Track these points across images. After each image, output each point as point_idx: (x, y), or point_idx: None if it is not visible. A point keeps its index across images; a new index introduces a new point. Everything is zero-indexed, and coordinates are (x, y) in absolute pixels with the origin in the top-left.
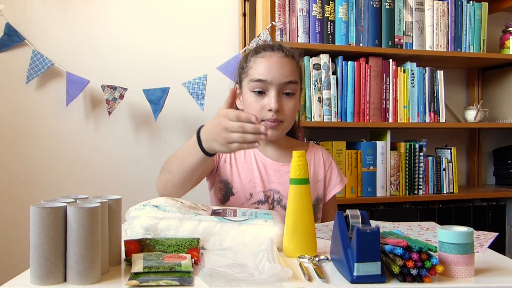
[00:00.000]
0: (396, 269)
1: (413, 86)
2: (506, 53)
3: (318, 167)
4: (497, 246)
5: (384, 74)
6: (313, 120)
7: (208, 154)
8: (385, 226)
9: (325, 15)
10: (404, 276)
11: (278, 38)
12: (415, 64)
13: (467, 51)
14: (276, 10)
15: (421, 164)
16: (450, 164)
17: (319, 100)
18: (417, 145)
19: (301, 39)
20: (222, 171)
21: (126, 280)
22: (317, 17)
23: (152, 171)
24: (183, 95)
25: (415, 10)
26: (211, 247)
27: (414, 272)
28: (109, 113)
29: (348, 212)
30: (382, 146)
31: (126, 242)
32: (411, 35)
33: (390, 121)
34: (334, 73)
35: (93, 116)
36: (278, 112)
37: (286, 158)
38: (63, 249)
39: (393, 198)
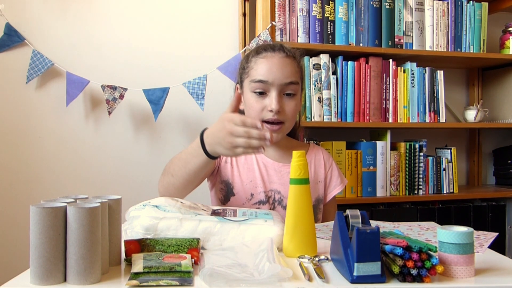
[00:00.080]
0: (396, 269)
1: (413, 86)
2: (506, 53)
3: (319, 167)
4: (497, 246)
5: (384, 74)
6: (313, 120)
7: (212, 157)
8: (385, 226)
9: (325, 15)
10: (404, 276)
11: (278, 38)
12: (415, 64)
13: (467, 51)
14: (276, 10)
15: (421, 164)
16: (450, 164)
17: (319, 100)
18: (417, 145)
19: (301, 39)
20: (223, 171)
21: (126, 280)
22: (317, 17)
23: (152, 171)
24: (183, 95)
25: (415, 10)
26: (211, 247)
27: (414, 272)
28: (109, 113)
29: (348, 212)
30: (382, 146)
31: (126, 242)
32: (411, 35)
33: (390, 121)
34: (334, 73)
35: (93, 116)
36: (279, 113)
37: (287, 159)
38: (63, 249)
39: (393, 198)
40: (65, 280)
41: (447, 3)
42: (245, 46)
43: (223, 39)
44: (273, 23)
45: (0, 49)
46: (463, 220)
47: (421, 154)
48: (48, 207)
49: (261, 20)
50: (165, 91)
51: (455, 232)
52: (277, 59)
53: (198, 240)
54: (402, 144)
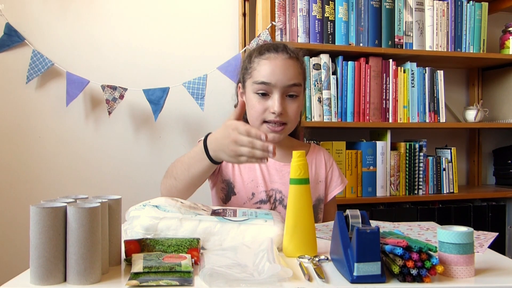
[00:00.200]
0: (396, 269)
1: (413, 86)
2: (506, 53)
3: (320, 167)
4: (497, 246)
5: (384, 74)
6: (313, 120)
7: (215, 162)
8: (385, 226)
9: (325, 15)
10: (404, 276)
11: (278, 38)
12: (415, 64)
13: (467, 51)
14: (276, 10)
15: (421, 164)
16: (450, 164)
17: (319, 100)
18: (417, 145)
19: (301, 39)
20: (224, 171)
21: (126, 280)
22: (317, 17)
23: (152, 171)
24: (183, 95)
25: (415, 10)
26: (211, 247)
27: (414, 272)
28: (109, 113)
29: (348, 212)
30: (382, 146)
31: (126, 242)
32: (411, 35)
33: (390, 121)
34: (334, 73)
35: (93, 116)
36: (282, 115)
37: (288, 158)
38: (63, 249)
39: (393, 198)
40: (65, 280)
41: (447, 3)
42: (245, 46)
43: (223, 39)
44: (273, 23)
45: (0, 49)
46: (463, 220)
47: (421, 154)
48: (48, 207)
49: (261, 20)
50: (165, 91)
51: (455, 232)
52: (280, 60)
53: (198, 240)
54: (402, 144)
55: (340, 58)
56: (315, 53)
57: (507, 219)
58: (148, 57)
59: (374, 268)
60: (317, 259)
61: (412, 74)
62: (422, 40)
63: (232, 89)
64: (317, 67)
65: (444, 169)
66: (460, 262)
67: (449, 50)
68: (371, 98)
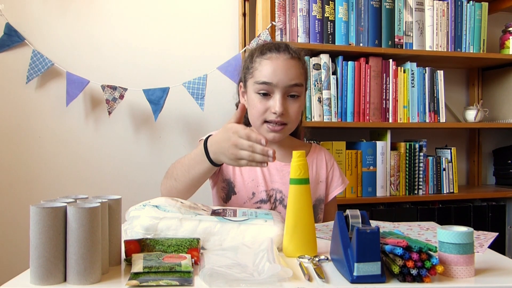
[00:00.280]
0: (396, 269)
1: (413, 86)
2: (506, 53)
3: (320, 168)
4: (497, 246)
5: (384, 74)
6: (313, 120)
7: (215, 164)
8: (385, 226)
9: (325, 15)
10: (404, 276)
11: (278, 38)
12: (415, 64)
13: (467, 51)
14: (276, 10)
15: (421, 164)
16: (450, 164)
17: (319, 100)
18: (417, 145)
19: (301, 39)
20: (225, 170)
21: (126, 280)
22: (317, 17)
23: (152, 171)
24: (183, 95)
25: (415, 10)
26: (211, 247)
27: (414, 272)
28: (109, 113)
29: (348, 212)
30: (382, 146)
31: (126, 242)
32: (411, 35)
33: (390, 121)
34: (334, 73)
35: (93, 116)
36: (283, 115)
37: (289, 158)
38: (63, 249)
39: (393, 198)
40: (65, 280)
41: (447, 3)
42: (245, 46)
43: (223, 39)
44: (273, 23)
45: (0, 49)
46: (463, 220)
47: (421, 154)
48: (48, 207)
49: (261, 20)
50: (165, 91)
51: (455, 232)
52: (281, 60)
53: (198, 240)
54: (402, 144)
55: (340, 58)
56: (315, 53)
57: (507, 219)
58: (148, 57)
59: (374, 268)
60: (317, 259)
61: (412, 74)
62: (422, 40)
63: (232, 89)
64: (317, 67)
65: (444, 169)
66: (460, 262)
67: (449, 50)
68: (371, 98)
